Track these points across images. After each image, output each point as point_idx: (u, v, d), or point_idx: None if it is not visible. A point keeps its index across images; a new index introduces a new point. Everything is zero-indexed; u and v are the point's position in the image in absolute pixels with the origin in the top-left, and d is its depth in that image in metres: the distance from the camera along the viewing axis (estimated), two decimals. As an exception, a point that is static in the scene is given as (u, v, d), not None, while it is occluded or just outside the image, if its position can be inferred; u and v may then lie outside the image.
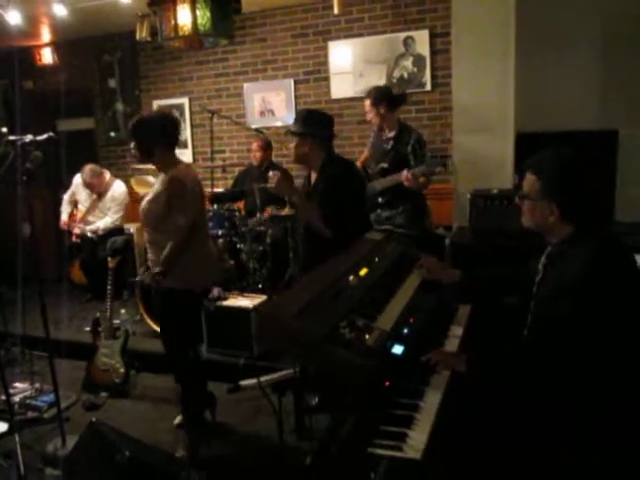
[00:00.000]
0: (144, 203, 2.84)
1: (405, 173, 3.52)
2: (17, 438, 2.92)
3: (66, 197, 5.34)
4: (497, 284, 2.27)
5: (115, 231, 5.12)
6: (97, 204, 5.18)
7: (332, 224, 2.73)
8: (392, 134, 3.74)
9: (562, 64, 4.10)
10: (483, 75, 3.97)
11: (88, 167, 5.11)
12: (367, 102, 3.76)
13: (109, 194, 5.18)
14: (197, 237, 2.82)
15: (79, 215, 5.25)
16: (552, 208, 1.76)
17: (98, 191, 5.16)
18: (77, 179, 5.27)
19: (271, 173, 2.98)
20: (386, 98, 3.69)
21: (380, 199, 3.79)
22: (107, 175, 5.24)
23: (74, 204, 5.31)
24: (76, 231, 5.17)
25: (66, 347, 4.05)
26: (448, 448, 1.62)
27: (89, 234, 5.12)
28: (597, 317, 1.65)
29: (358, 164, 4.05)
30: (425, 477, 1.48)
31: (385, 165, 3.73)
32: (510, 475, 1.63)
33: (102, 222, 5.14)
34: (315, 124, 2.89)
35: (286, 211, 4.21)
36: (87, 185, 5.13)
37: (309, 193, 2.94)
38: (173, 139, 2.85)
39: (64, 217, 5.27)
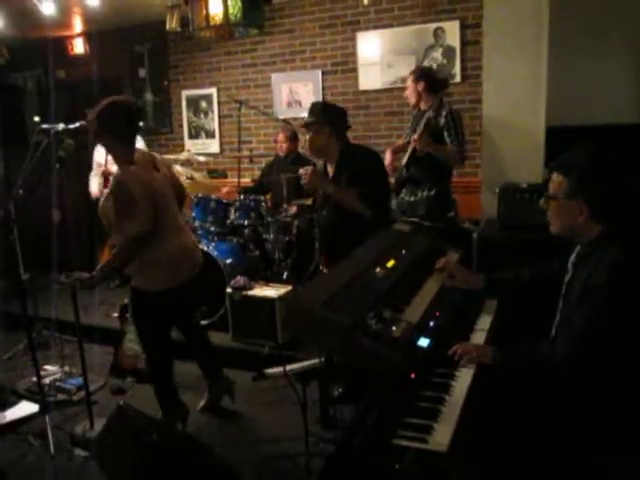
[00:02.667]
0: (101, 201, 2.71)
1: (414, 136, 3.51)
2: (47, 419, 3.00)
3: (93, 171, 5.30)
4: (523, 289, 2.23)
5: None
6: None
7: (373, 204, 2.80)
8: (430, 109, 3.71)
9: (596, 56, 4.00)
10: (514, 67, 3.90)
11: None
12: (409, 78, 3.79)
13: None
14: (158, 238, 2.63)
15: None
16: (581, 207, 1.72)
17: None
18: (96, 151, 5.24)
19: (302, 170, 3.00)
20: (426, 77, 3.70)
21: (404, 172, 3.77)
22: None
23: (103, 176, 5.30)
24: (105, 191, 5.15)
25: (94, 332, 4.15)
26: (473, 442, 1.61)
27: None
28: (623, 322, 1.61)
29: (389, 149, 4.03)
30: (450, 470, 1.47)
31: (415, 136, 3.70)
32: (534, 472, 1.61)
33: None
34: (330, 115, 2.92)
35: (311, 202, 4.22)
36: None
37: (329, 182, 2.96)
38: (122, 131, 2.60)
39: (94, 189, 5.20)
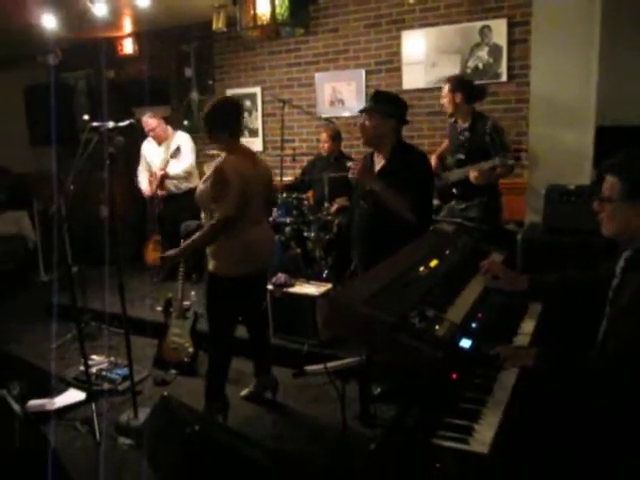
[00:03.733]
0: (199, 185, 2.98)
1: (472, 173, 3.47)
2: (94, 407, 3.11)
3: (140, 167, 5.48)
4: (568, 293, 2.18)
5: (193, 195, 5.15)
6: (167, 154, 5.18)
7: (419, 211, 2.74)
8: (466, 125, 3.68)
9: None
10: (564, 66, 3.81)
11: (146, 114, 5.28)
12: (445, 87, 3.72)
13: (174, 142, 5.22)
14: (241, 226, 2.84)
15: (158, 169, 5.29)
16: (637, 210, 1.68)
17: (162, 135, 5.24)
18: (144, 145, 5.43)
19: (350, 163, 2.99)
20: (464, 88, 3.63)
21: (454, 190, 3.73)
22: (169, 127, 5.37)
23: (149, 172, 5.41)
24: (160, 192, 5.26)
25: (139, 324, 4.26)
26: (515, 445, 1.59)
27: (172, 187, 5.24)
28: None
29: (434, 155, 4.01)
30: (492, 472, 1.46)
31: (462, 156, 3.66)
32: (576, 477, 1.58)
33: (181, 163, 5.18)
34: (395, 105, 2.87)
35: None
36: (150, 130, 5.23)
37: (377, 175, 2.90)
38: (232, 125, 2.92)
39: (144, 186, 5.39)
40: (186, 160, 5.25)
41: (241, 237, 2.87)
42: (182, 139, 5.31)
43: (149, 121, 5.23)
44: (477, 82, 4.33)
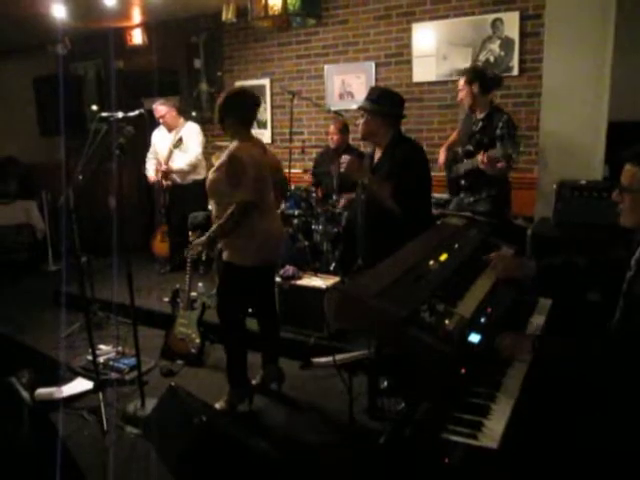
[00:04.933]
0: (210, 173, 3.00)
1: (480, 156, 3.44)
2: (101, 396, 3.12)
3: (149, 155, 5.48)
4: (575, 277, 2.17)
5: (199, 187, 5.04)
6: (179, 145, 5.17)
7: (403, 203, 2.77)
8: (482, 115, 3.63)
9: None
10: (577, 60, 3.77)
11: (158, 101, 5.28)
12: (461, 80, 3.68)
13: (184, 132, 5.20)
14: (257, 214, 2.88)
15: (163, 160, 5.30)
16: None
17: (172, 123, 5.24)
18: (154, 134, 5.43)
19: (343, 157, 3.01)
20: (480, 78, 3.59)
21: (463, 182, 3.70)
22: (180, 117, 5.37)
23: (157, 161, 5.40)
24: (165, 182, 5.27)
25: (146, 315, 4.27)
26: (525, 440, 1.58)
27: (177, 179, 5.24)
28: None
29: (442, 147, 3.98)
30: (501, 467, 1.45)
31: (470, 148, 3.63)
32: (585, 471, 1.57)
33: (186, 156, 5.19)
34: (387, 102, 2.90)
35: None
36: (160, 117, 5.22)
37: (372, 170, 2.96)
38: (245, 115, 2.95)
39: (151, 173, 5.40)
40: (192, 152, 5.23)
41: (256, 227, 2.91)
42: (190, 129, 5.30)
43: (159, 108, 5.22)
44: (499, 74, 4.27)
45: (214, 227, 2.92)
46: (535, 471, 1.57)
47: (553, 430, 1.65)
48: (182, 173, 5.27)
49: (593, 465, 1.57)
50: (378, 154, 3.03)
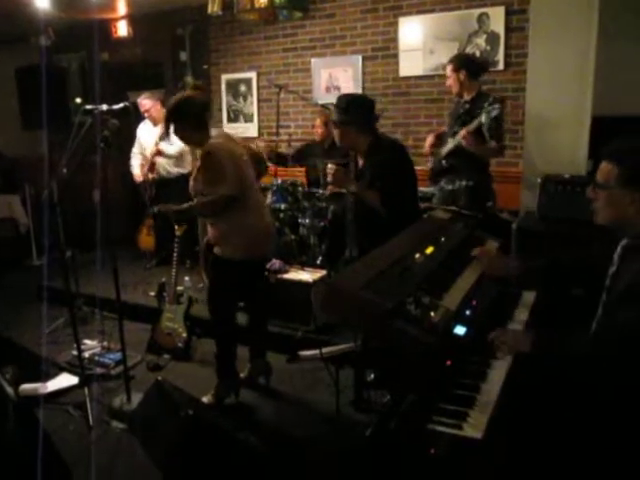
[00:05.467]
0: (190, 181, 2.98)
1: (460, 133, 3.46)
2: (86, 391, 3.10)
3: (133, 150, 5.41)
4: (559, 277, 2.19)
5: (185, 180, 5.10)
6: (165, 138, 5.11)
7: (389, 205, 2.81)
8: (469, 98, 3.66)
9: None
10: (561, 54, 3.80)
11: (142, 95, 5.22)
12: (449, 67, 3.71)
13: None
14: (243, 208, 2.88)
15: (148, 156, 5.26)
16: (633, 197, 1.67)
17: (157, 116, 5.14)
18: (139, 128, 5.37)
19: (329, 167, 3.02)
20: (467, 65, 3.62)
21: (444, 162, 3.72)
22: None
23: (142, 156, 5.35)
24: (151, 175, 5.22)
25: (132, 310, 4.25)
26: (509, 431, 1.60)
27: (163, 172, 5.19)
28: None
29: (432, 134, 3.98)
30: (485, 457, 1.47)
31: (456, 129, 3.65)
32: (569, 462, 1.59)
33: (172, 148, 5.11)
34: (356, 111, 2.91)
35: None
36: (145, 111, 5.17)
37: (357, 176, 2.99)
38: (200, 123, 2.87)
39: (136, 171, 5.33)
40: (178, 143, 5.16)
41: (247, 221, 2.92)
42: None
43: (143, 102, 5.17)
44: (485, 59, 4.34)
45: (196, 202, 2.90)
46: (519, 460, 1.60)
47: (537, 421, 1.67)
48: (169, 161, 5.20)
49: (576, 454, 1.60)
50: (361, 160, 3.06)
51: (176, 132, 2.93)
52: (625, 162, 1.68)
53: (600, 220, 1.80)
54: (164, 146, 5.16)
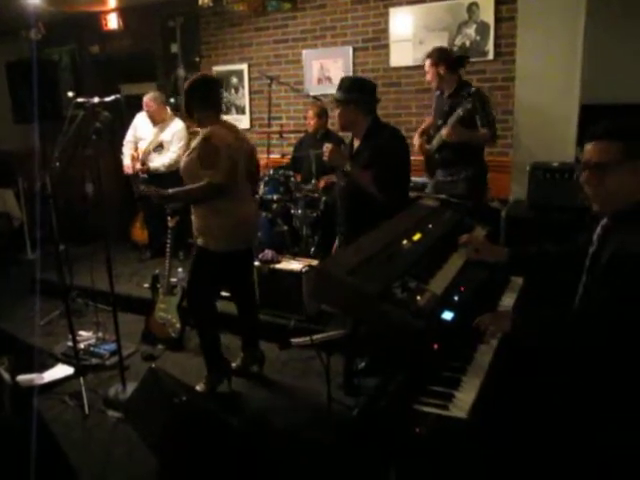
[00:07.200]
0: (183, 158, 3.03)
1: (443, 131, 3.52)
2: (82, 381, 3.13)
3: (127, 137, 5.37)
4: (547, 264, 2.21)
5: (176, 172, 5.09)
6: (159, 137, 5.15)
7: (384, 189, 2.79)
8: (449, 93, 3.69)
9: (635, 33, 3.90)
10: (550, 44, 3.84)
11: (151, 92, 5.19)
12: (427, 62, 3.73)
13: (169, 129, 5.14)
14: (230, 199, 2.91)
15: (141, 152, 5.23)
16: (636, 168, 1.66)
17: (158, 118, 5.15)
18: (138, 117, 5.33)
19: (325, 145, 3.03)
20: (445, 59, 3.64)
21: (437, 156, 3.76)
22: (168, 109, 5.27)
23: (135, 145, 5.31)
24: (139, 166, 5.18)
25: (126, 301, 4.27)
26: (494, 412, 1.64)
27: (155, 167, 5.15)
28: None
29: (416, 133, 4.01)
30: (470, 436, 1.51)
31: (440, 123, 3.67)
32: (554, 440, 1.64)
33: (165, 157, 5.10)
34: (358, 91, 2.92)
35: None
36: (148, 111, 5.13)
37: (352, 157, 2.98)
38: (211, 102, 2.98)
39: (127, 161, 5.29)
40: (171, 154, 5.11)
41: (230, 213, 2.94)
42: (174, 130, 5.15)
43: (149, 103, 5.11)
44: (464, 53, 4.35)
45: (181, 189, 2.95)
46: (504, 440, 1.64)
47: (522, 401, 1.71)
48: (162, 166, 5.18)
49: (559, 435, 1.64)
50: (357, 142, 3.06)
51: (185, 107, 3.02)
52: (630, 136, 1.68)
53: (599, 203, 1.78)
54: (155, 158, 5.15)
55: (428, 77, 3.76)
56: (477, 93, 3.50)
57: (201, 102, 2.94)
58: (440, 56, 3.66)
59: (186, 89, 2.98)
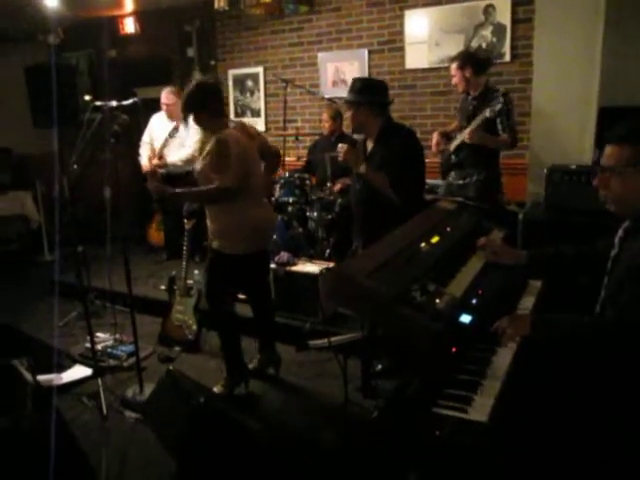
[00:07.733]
0: (198, 162, 3.01)
1: (466, 131, 3.49)
2: (100, 382, 3.16)
3: (144, 138, 5.36)
4: (565, 266, 2.19)
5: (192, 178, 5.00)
6: (175, 134, 5.07)
7: (401, 191, 2.78)
8: (476, 94, 3.67)
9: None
10: (567, 45, 3.80)
11: (169, 87, 5.18)
12: (453, 65, 3.71)
13: (184, 124, 5.12)
14: (245, 202, 2.91)
15: (157, 149, 5.21)
16: None
17: (175, 113, 5.01)
18: (154, 118, 5.33)
19: (339, 146, 3.03)
20: (471, 62, 3.62)
21: (453, 157, 3.74)
22: None
23: (151, 147, 5.29)
24: (155, 162, 5.14)
25: (143, 303, 4.30)
26: (514, 415, 1.63)
27: (170, 167, 5.12)
28: None
29: (436, 134, 3.98)
30: (490, 440, 1.50)
31: (464, 124, 3.66)
32: (573, 444, 1.62)
33: (182, 152, 5.08)
34: (370, 92, 2.92)
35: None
36: (166, 104, 5.11)
37: (366, 159, 2.97)
38: (211, 109, 2.93)
39: (144, 161, 5.28)
40: (188, 148, 5.06)
41: (244, 216, 2.95)
42: (189, 124, 5.15)
43: (169, 96, 5.09)
44: (489, 55, 4.33)
45: (189, 190, 2.97)
46: (525, 444, 1.63)
47: (542, 405, 1.70)
48: (179, 161, 5.21)
49: (580, 438, 1.62)
50: (370, 143, 3.04)
51: (193, 119, 2.99)
52: (636, 140, 1.67)
53: (613, 206, 1.78)
54: (172, 151, 5.12)
55: (455, 80, 3.72)
56: (507, 95, 3.50)
57: (201, 112, 2.92)
58: (466, 59, 3.64)
59: (183, 105, 2.95)
